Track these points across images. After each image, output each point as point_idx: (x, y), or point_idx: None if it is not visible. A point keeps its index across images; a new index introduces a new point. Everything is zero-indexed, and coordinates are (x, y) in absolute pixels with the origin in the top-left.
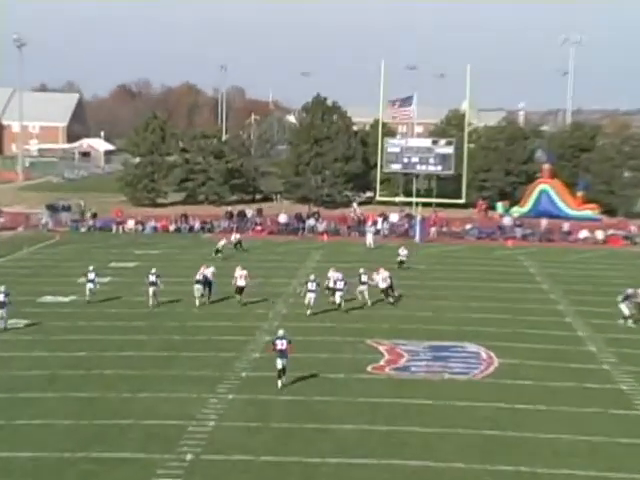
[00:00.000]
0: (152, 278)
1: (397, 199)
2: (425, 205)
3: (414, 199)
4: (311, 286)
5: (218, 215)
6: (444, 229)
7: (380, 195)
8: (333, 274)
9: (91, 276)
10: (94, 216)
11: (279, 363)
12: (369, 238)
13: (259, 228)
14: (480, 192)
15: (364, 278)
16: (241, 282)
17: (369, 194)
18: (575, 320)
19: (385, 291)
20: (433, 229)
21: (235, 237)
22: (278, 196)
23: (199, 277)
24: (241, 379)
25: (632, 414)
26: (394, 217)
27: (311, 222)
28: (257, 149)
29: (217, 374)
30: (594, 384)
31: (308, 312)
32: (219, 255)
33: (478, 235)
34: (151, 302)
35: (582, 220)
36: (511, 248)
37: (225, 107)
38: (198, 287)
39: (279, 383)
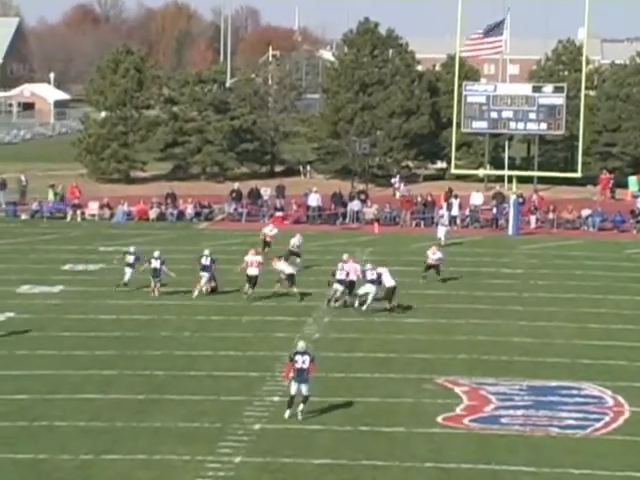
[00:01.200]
0: (155, 264)
1: (481, 172)
2: (523, 181)
3: (506, 172)
4: (371, 275)
5: (220, 196)
6: (550, 216)
7: (456, 167)
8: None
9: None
10: (61, 199)
11: (294, 388)
12: (440, 231)
13: (280, 214)
14: (605, 162)
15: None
16: (253, 270)
17: (440, 165)
18: None
19: None
20: (533, 217)
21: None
22: (308, 168)
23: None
24: (253, 433)
25: None
26: (477, 198)
27: (355, 206)
28: (277, 100)
29: (218, 426)
30: None
31: (363, 308)
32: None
33: (601, 225)
34: (156, 293)
35: None
36: None
37: (231, 38)
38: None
39: (287, 413)
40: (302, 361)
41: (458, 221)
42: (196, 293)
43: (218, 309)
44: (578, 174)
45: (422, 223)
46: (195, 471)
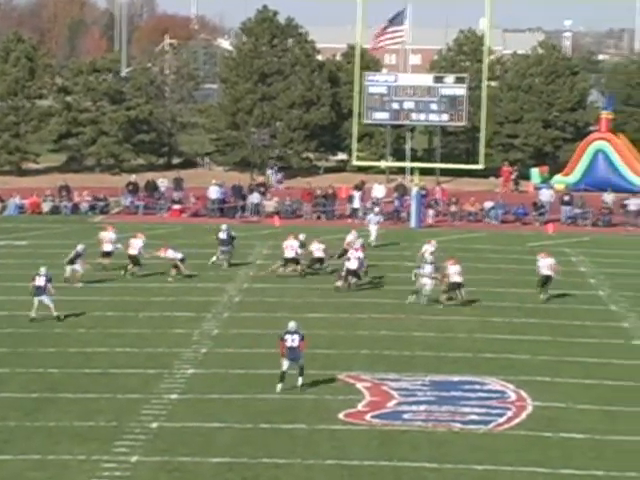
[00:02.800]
0: (39, 281)
1: (383, 164)
2: (425, 173)
3: (408, 164)
4: (429, 259)
5: (116, 188)
6: (453, 208)
7: (358, 158)
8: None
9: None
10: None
11: (285, 364)
12: (373, 231)
13: (177, 207)
14: (507, 154)
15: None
16: (290, 253)
17: (341, 156)
18: None
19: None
20: (431, 210)
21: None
22: (206, 160)
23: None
24: (150, 432)
25: None
26: (379, 190)
27: (255, 198)
28: (174, 90)
29: (114, 425)
30: None
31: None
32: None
33: (504, 217)
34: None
35: None
36: (553, 236)
37: (125, 27)
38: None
39: (278, 387)
40: (292, 340)
41: (360, 214)
42: (210, 262)
43: (114, 305)
44: (480, 166)
45: (323, 216)
46: (91, 471)
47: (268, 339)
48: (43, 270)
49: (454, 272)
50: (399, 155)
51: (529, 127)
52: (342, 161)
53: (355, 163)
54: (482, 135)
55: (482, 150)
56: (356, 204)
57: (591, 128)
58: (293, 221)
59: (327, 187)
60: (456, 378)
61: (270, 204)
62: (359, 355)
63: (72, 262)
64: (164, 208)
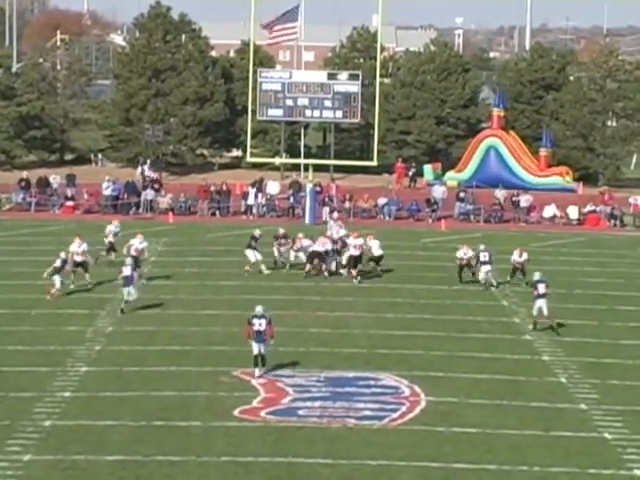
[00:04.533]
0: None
1: (277, 160)
2: (319, 169)
3: (302, 160)
4: (484, 257)
5: (8, 185)
6: (347, 205)
7: (252, 155)
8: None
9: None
10: None
11: (255, 348)
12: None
13: (70, 204)
14: (400, 150)
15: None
16: (356, 251)
17: (236, 153)
18: (539, 339)
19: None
20: (326, 209)
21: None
22: (99, 156)
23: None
24: (43, 430)
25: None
26: (273, 187)
27: (149, 195)
28: (66, 85)
29: (6, 423)
30: (566, 431)
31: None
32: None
33: (397, 213)
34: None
35: (548, 190)
36: (446, 232)
37: (16, 21)
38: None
39: (256, 371)
40: (259, 324)
41: (255, 210)
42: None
43: (5, 303)
44: (374, 162)
45: (217, 212)
46: None
47: (162, 336)
48: (129, 260)
49: (375, 246)
50: (293, 152)
51: (422, 124)
52: (237, 157)
53: (249, 160)
54: (376, 132)
55: (376, 147)
56: (250, 200)
57: (483, 125)
58: (187, 218)
59: (221, 184)
60: (351, 374)
61: (164, 201)
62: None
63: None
64: (57, 205)
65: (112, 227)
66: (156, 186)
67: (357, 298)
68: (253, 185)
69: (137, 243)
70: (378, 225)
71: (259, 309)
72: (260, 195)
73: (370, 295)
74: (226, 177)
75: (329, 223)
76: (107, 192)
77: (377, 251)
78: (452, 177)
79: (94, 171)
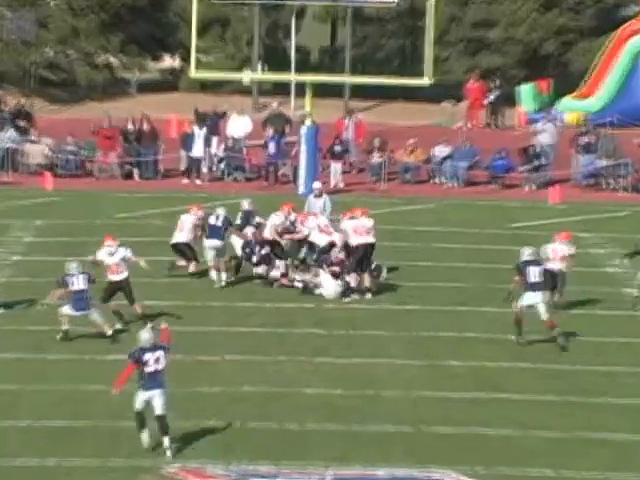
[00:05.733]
0: None
1: (247, 76)
2: (324, 93)
3: (292, 76)
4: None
5: None
6: (376, 158)
7: (200, 66)
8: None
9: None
10: None
11: (141, 398)
12: None
13: None
14: (474, 57)
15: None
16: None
17: (170, 63)
18: None
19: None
20: (337, 165)
21: None
22: None
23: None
24: None
25: None
26: (238, 126)
27: (9, 139)
28: None
29: None
30: None
31: None
32: None
33: (469, 174)
34: None
35: None
36: (559, 209)
37: None
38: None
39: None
40: (154, 360)
41: (204, 168)
42: None
43: None
44: (426, 80)
45: (135, 172)
46: None
47: None
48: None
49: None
50: (277, 60)
51: (515, 8)
52: (171, 72)
53: (195, 75)
54: (430, 22)
55: (430, 51)
56: (197, 150)
57: (627, 12)
58: (79, 182)
59: (142, 118)
60: (381, 473)
61: (37, 151)
62: None
63: None
64: None
65: None
66: (22, 124)
67: (388, 331)
68: (201, 121)
69: None
70: (433, 194)
71: (146, 335)
72: (215, 141)
73: (410, 324)
74: (152, 107)
75: (309, 200)
76: None
77: (356, 239)
78: (571, 106)
79: None
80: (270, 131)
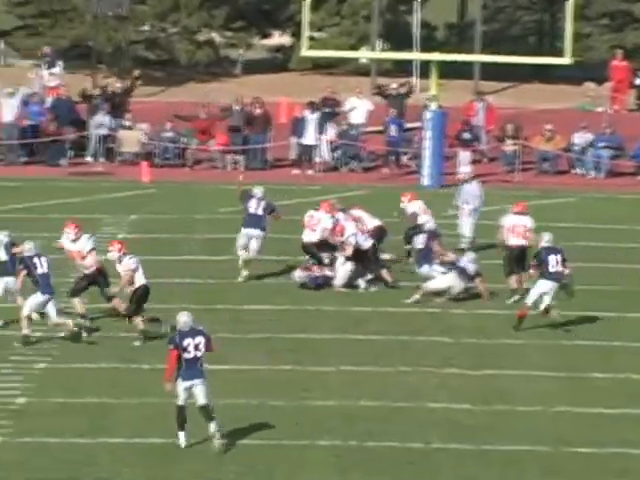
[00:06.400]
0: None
1: (365, 54)
2: (452, 73)
3: (416, 55)
4: None
5: None
6: (509, 147)
7: (313, 44)
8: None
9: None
10: None
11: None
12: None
13: None
14: (620, 33)
15: None
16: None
17: (278, 40)
18: None
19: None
20: (465, 154)
21: None
22: None
23: None
24: None
25: None
26: (357, 110)
27: (101, 124)
28: None
29: None
30: None
31: None
32: None
33: (614, 164)
34: None
35: None
36: None
37: None
38: None
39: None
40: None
41: (318, 156)
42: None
43: None
44: (566, 59)
45: (241, 161)
46: None
47: None
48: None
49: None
50: (398, 38)
51: None
52: (278, 49)
53: (307, 53)
54: None
55: (570, 27)
56: (308, 137)
57: None
58: (179, 173)
59: (253, 102)
60: None
61: (132, 137)
62: None
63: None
64: None
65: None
66: (114, 106)
67: (523, 339)
68: (314, 106)
69: None
70: (574, 186)
71: (185, 318)
72: (329, 126)
73: (547, 332)
74: (258, 89)
75: (462, 189)
76: (8, 117)
77: (513, 240)
78: None
79: None
80: (392, 114)
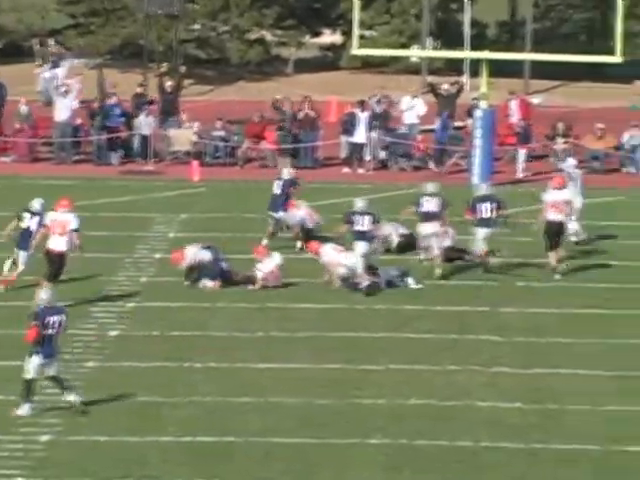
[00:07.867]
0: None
1: (415, 53)
2: (502, 71)
3: (467, 54)
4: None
5: None
6: (559, 145)
7: (364, 43)
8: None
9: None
10: None
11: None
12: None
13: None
14: None
15: None
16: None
17: (330, 39)
18: None
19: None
20: (522, 151)
21: None
22: (51, 43)
23: None
24: None
25: None
26: (409, 110)
27: (146, 124)
28: None
29: None
30: None
31: None
32: None
33: None
34: None
35: None
36: None
37: None
38: None
39: None
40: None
41: (368, 155)
42: None
43: None
44: (617, 57)
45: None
46: None
47: None
48: None
49: None
50: (449, 36)
51: None
52: (329, 48)
53: (357, 51)
54: None
55: (620, 25)
56: (359, 136)
57: None
58: (230, 171)
59: (303, 101)
60: None
61: (183, 136)
62: None
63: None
64: None
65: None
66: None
67: (575, 338)
68: (363, 105)
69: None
70: (624, 185)
71: (46, 295)
72: (378, 125)
73: (599, 330)
74: (309, 88)
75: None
76: (62, 117)
77: (551, 214)
78: None
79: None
80: (442, 115)
